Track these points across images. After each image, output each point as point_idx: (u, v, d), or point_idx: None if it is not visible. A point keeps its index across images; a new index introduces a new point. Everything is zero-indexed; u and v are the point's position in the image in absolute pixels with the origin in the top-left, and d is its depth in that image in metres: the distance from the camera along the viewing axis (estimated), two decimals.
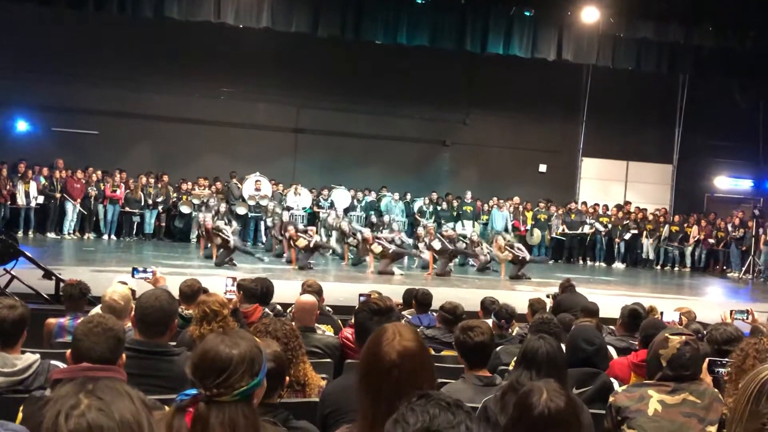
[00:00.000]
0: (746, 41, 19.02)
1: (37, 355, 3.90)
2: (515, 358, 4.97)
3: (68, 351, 3.34)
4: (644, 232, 21.28)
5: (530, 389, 2.60)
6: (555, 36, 18.90)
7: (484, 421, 3.40)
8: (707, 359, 4.17)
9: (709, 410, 3.47)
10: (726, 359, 4.25)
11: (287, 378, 3.46)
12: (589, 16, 18.25)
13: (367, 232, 15.97)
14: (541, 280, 15.74)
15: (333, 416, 3.26)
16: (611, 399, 3.70)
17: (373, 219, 17.31)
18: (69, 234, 18.04)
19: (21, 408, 3.22)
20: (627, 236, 21.15)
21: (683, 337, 3.65)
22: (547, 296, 8.99)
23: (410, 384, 2.32)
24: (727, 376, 3.97)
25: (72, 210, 18.07)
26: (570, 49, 18.95)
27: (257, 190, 19.26)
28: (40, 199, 17.80)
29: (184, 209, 19.03)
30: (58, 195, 17.98)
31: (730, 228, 20.78)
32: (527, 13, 18.74)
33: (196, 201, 19.02)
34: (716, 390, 3.69)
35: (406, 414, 1.78)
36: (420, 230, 17.43)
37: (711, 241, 21.07)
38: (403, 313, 7.64)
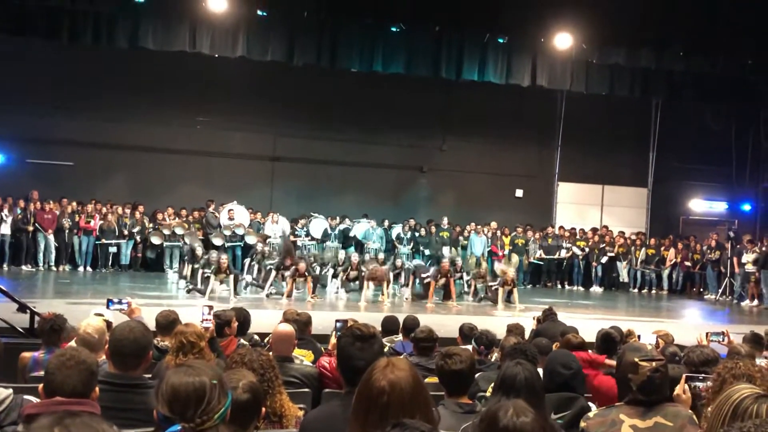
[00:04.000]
0: (716, 65, 19.32)
1: (10, 390, 3.85)
2: (492, 384, 4.98)
3: (41, 385, 3.30)
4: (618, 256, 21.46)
5: (499, 406, 2.62)
6: (529, 62, 19.11)
7: None
8: (684, 375, 4.19)
9: None
10: (704, 375, 4.28)
11: (263, 409, 3.43)
12: (562, 42, 18.47)
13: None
14: (520, 306, 15.73)
15: None
16: (583, 425, 3.70)
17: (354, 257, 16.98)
18: (44, 266, 17.86)
19: None
20: (604, 260, 21.25)
21: (653, 364, 3.64)
22: (534, 318, 9.02)
23: (399, 413, 2.34)
24: (705, 393, 3.98)
25: (43, 242, 17.90)
26: (544, 75, 19.16)
27: (230, 219, 19.20)
28: (7, 230, 17.55)
29: (155, 240, 18.92)
30: (30, 228, 17.80)
31: (705, 250, 20.94)
32: (501, 40, 18.95)
33: (166, 231, 18.93)
34: (691, 412, 3.70)
35: None
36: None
37: (687, 263, 21.21)
38: (383, 340, 7.61)
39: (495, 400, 3.65)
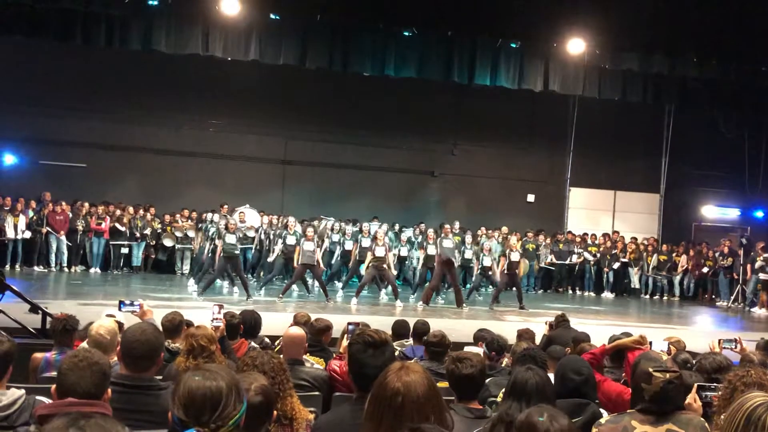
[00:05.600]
0: (729, 72, 19.25)
1: (22, 391, 3.86)
2: (503, 390, 4.96)
3: (53, 386, 3.31)
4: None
5: (529, 413, 2.60)
6: (541, 67, 19.06)
7: None
8: (696, 385, 4.17)
9: None
10: (715, 384, 4.26)
11: (275, 412, 3.43)
12: (575, 47, 18.43)
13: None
14: (530, 311, 15.70)
15: None
16: (595, 430, 3.68)
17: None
18: (56, 267, 17.94)
19: None
20: (616, 265, 21.18)
21: (668, 375, 3.61)
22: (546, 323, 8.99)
23: (414, 415, 2.35)
24: (717, 400, 3.96)
25: (55, 243, 17.98)
26: (556, 80, 19.12)
27: (241, 222, 19.22)
28: (27, 234, 17.71)
29: (167, 242, 18.98)
30: (44, 230, 17.88)
31: (718, 257, 20.84)
32: (513, 45, 18.92)
33: (178, 233, 18.98)
34: (702, 419, 3.68)
35: None
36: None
37: (705, 270, 21.05)
38: (393, 344, 7.59)
39: (506, 405, 3.64)
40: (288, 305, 14.30)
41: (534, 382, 3.71)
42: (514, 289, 16.57)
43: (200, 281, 15.74)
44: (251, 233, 19.11)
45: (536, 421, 2.49)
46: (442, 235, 16.64)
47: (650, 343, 7.15)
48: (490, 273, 17.21)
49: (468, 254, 17.31)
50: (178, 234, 18.97)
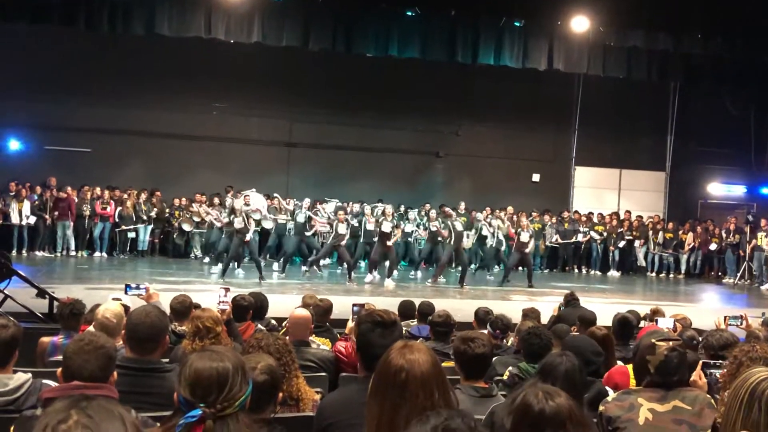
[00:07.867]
0: (735, 49, 19.12)
1: (29, 375, 3.88)
2: (509, 368, 4.98)
3: (59, 369, 3.33)
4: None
5: (525, 393, 2.59)
6: (545, 46, 18.96)
7: (488, 428, 3.37)
8: (701, 362, 4.18)
9: (701, 416, 3.46)
10: (720, 362, 4.27)
11: (281, 394, 3.44)
12: (579, 25, 18.33)
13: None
14: (536, 290, 15.72)
15: (331, 429, 3.24)
16: (601, 408, 3.69)
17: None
18: (62, 252, 18.00)
19: (12, 428, 3.21)
20: (621, 244, 21.16)
21: (670, 343, 3.64)
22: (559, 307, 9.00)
23: (419, 391, 2.36)
24: (721, 378, 3.97)
25: (61, 228, 18.01)
26: (561, 59, 19.01)
27: (246, 204, 19.22)
28: (32, 219, 17.75)
29: (186, 226, 19.03)
30: (47, 217, 17.91)
31: (724, 234, 20.81)
32: (517, 24, 18.82)
33: (196, 218, 19.02)
34: (708, 396, 3.69)
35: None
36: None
37: (712, 248, 21.00)
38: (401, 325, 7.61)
39: (530, 383, 3.64)
40: (295, 287, 14.30)
41: (564, 368, 3.72)
42: (522, 268, 16.64)
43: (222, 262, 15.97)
44: (257, 216, 19.13)
45: (531, 402, 2.48)
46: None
47: (655, 321, 7.16)
48: (501, 248, 17.41)
49: (493, 239, 17.39)
50: (196, 219, 19.03)
